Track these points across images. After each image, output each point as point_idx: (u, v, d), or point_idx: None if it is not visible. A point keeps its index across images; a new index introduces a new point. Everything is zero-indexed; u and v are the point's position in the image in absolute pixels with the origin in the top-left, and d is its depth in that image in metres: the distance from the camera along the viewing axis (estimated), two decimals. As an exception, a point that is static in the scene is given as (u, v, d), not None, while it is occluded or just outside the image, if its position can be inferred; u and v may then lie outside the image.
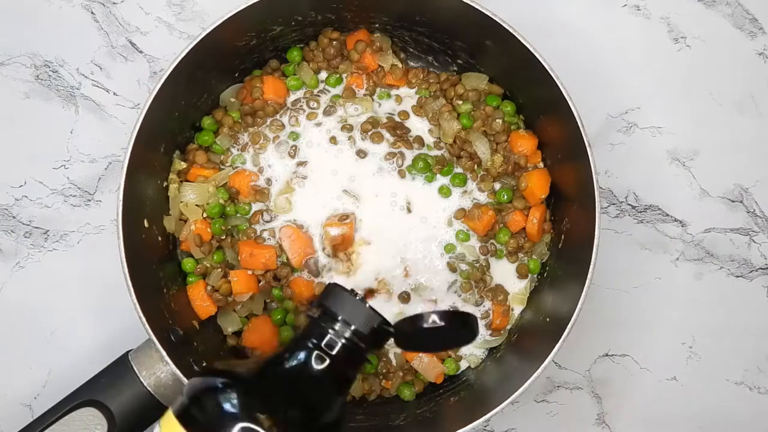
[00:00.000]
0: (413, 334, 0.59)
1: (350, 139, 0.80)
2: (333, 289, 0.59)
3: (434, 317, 0.58)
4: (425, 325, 0.58)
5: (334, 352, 0.57)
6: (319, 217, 0.79)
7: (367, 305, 0.58)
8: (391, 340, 0.61)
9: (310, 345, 0.57)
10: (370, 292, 0.77)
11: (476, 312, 0.80)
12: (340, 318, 0.57)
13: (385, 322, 0.58)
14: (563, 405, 0.86)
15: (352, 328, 0.57)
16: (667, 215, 0.88)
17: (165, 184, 0.78)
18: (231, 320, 0.78)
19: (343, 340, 0.57)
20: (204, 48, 0.71)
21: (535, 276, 0.81)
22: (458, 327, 0.60)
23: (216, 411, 0.53)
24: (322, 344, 0.57)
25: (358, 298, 0.58)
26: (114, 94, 0.86)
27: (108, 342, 0.81)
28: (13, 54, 0.85)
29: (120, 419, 0.68)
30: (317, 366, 0.57)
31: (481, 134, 0.80)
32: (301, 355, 0.57)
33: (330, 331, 0.57)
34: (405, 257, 0.79)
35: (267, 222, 0.79)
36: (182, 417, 0.54)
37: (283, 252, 0.78)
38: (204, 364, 0.71)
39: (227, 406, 0.53)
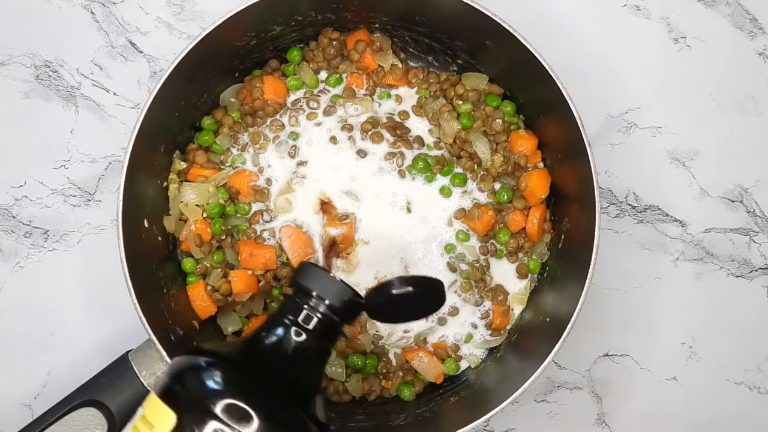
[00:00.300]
0: (384, 303, 0.60)
1: (350, 139, 0.80)
2: (306, 266, 0.60)
3: (403, 283, 0.59)
4: (394, 291, 0.59)
5: (310, 327, 0.58)
6: (319, 217, 0.79)
7: (339, 279, 0.59)
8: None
9: (287, 321, 0.58)
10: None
11: (476, 312, 0.80)
12: (314, 293, 0.58)
13: (356, 294, 0.59)
14: (563, 405, 0.86)
15: (326, 302, 0.58)
16: (667, 215, 0.88)
17: (165, 184, 0.78)
18: (231, 320, 0.78)
19: (318, 315, 0.58)
20: (204, 48, 0.71)
21: (535, 276, 0.81)
22: (427, 292, 0.61)
23: (200, 388, 0.53)
24: (299, 320, 0.58)
25: (332, 275, 0.59)
26: (114, 94, 0.86)
27: (108, 342, 0.81)
28: (13, 54, 0.85)
29: (120, 419, 0.68)
30: (295, 341, 0.58)
31: (481, 134, 0.80)
32: (280, 332, 0.58)
33: (305, 306, 0.58)
34: (405, 257, 0.79)
35: (267, 222, 0.79)
36: (165, 396, 0.54)
37: (283, 252, 0.78)
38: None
39: (210, 383, 0.53)
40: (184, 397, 0.53)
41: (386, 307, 0.61)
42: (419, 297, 0.60)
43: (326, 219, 0.78)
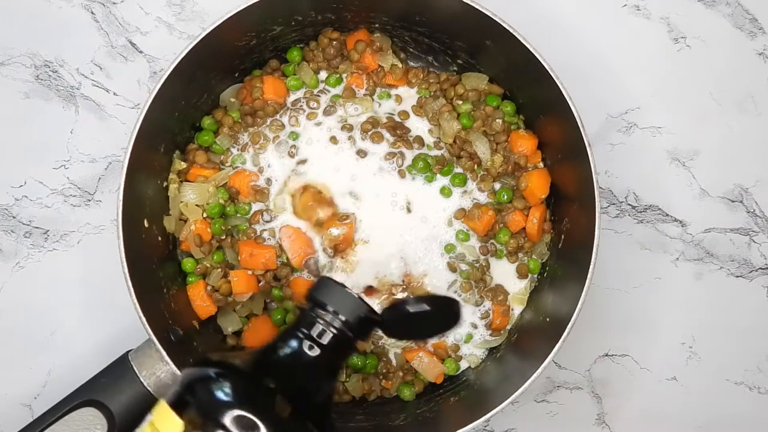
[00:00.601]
0: (399, 321, 0.60)
1: (350, 139, 0.80)
2: (323, 281, 0.60)
3: (419, 302, 0.60)
4: (410, 309, 0.59)
5: (323, 341, 0.58)
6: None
7: (355, 295, 0.59)
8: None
9: (301, 335, 0.58)
10: (370, 290, 0.77)
11: (476, 312, 0.80)
12: (328, 308, 0.58)
13: (371, 310, 0.59)
14: (563, 405, 0.86)
15: (341, 317, 0.58)
16: (667, 215, 0.88)
17: (165, 184, 0.78)
18: (231, 320, 0.78)
19: (332, 329, 0.58)
20: (204, 48, 0.71)
21: (535, 276, 0.81)
22: (442, 311, 0.61)
23: (210, 399, 0.53)
24: (312, 333, 0.58)
25: (348, 291, 0.59)
26: (114, 94, 0.86)
27: (108, 342, 0.81)
28: (13, 54, 0.85)
29: (120, 419, 0.68)
30: (308, 355, 0.58)
31: (481, 134, 0.80)
32: (293, 345, 0.58)
33: (319, 321, 0.58)
34: (405, 257, 0.79)
35: (267, 222, 0.79)
36: (176, 405, 0.54)
37: (283, 252, 0.78)
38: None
39: (220, 394, 0.53)
40: (193, 406, 0.54)
41: (401, 325, 0.61)
42: (434, 316, 0.60)
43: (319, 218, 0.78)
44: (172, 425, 0.53)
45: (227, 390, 0.53)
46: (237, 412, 0.52)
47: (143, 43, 0.86)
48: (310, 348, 0.58)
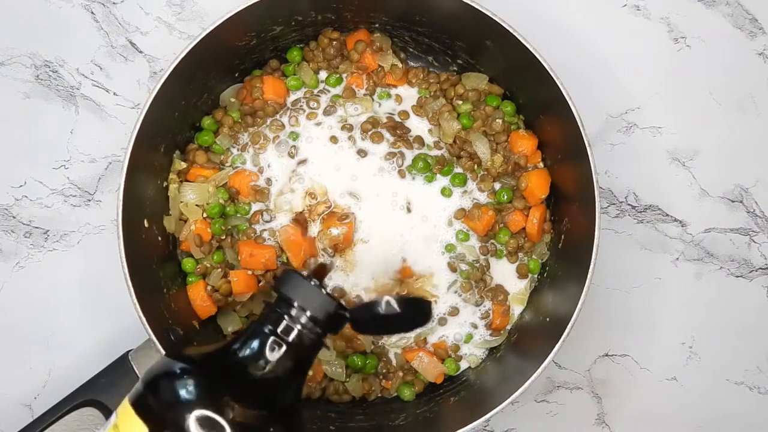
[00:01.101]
0: (369, 319, 0.59)
1: (350, 139, 0.80)
2: (289, 275, 0.58)
3: (390, 304, 0.58)
4: (382, 312, 0.58)
5: (290, 338, 0.56)
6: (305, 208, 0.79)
7: (323, 291, 0.57)
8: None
9: (267, 331, 0.56)
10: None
11: (476, 312, 0.80)
12: (295, 304, 0.56)
13: (341, 307, 0.58)
14: (563, 405, 0.86)
15: (308, 314, 0.56)
16: (667, 215, 0.88)
17: (165, 184, 0.78)
18: (231, 320, 0.78)
19: (299, 326, 0.56)
20: (204, 48, 0.71)
21: (535, 276, 0.81)
22: (414, 312, 0.60)
23: (172, 399, 0.52)
24: (278, 330, 0.56)
25: (314, 285, 0.57)
26: (114, 94, 0.86)
27: (108, 342, 0.81)
28: (13, 54, 0.85)
29: (120, 419, 0.68)
30: (274, 352, 0.56)
31: (481, 134, 0.80)
32: (258, 342, 0.56)
33: (285, 317, 0.56)
34: (405, 257, 0.79)
35: (267, 222, 0.79)
36: (138, 405, 0.53)
37: (283, 252, 0.78)
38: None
39: (183, 393, 0.52)
40: (156, 408, 0.52)
41: (370, 323, 0.59)
42: (405, 316, 0.59)
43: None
44: (136, 428, 0.52)
45: (191, 388, 0.52)
46: (201, 412, 0.50)
47: (143, 43, 0.86)
48: (277, 344, 0.56)
